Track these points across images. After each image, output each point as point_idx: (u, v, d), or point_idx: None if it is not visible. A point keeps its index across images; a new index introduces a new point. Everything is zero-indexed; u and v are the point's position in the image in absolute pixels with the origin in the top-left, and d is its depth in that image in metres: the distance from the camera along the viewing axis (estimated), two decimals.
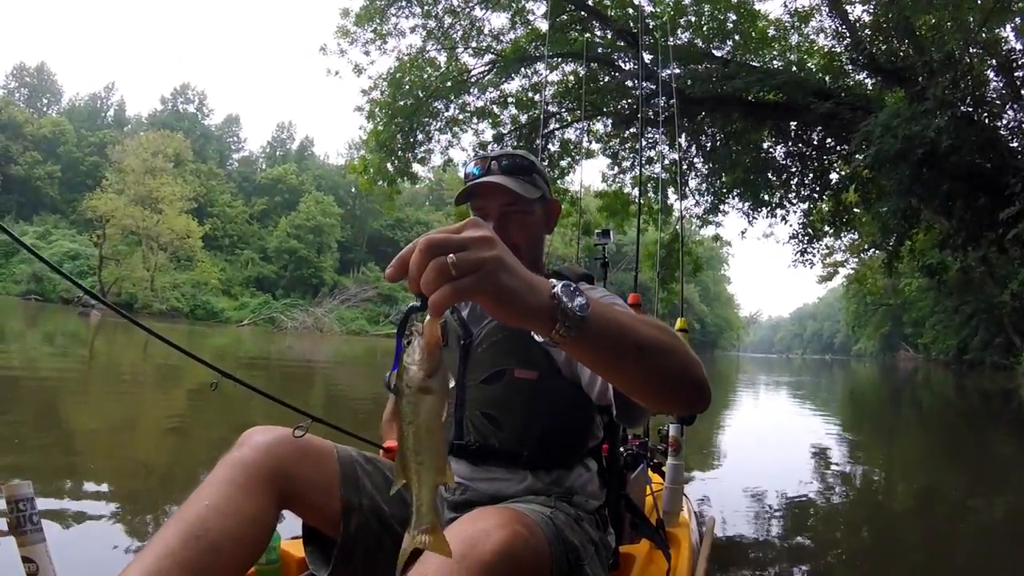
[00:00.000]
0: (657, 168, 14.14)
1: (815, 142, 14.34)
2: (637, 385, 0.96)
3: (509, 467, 1.43)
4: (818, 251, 15.56)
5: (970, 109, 10.63)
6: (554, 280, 0.81)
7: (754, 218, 15.40)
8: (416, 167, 16.33)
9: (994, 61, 10.68)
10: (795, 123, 13.76)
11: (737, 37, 14.03)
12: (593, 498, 1.49)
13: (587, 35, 14.22)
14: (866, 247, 18.08)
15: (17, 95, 69.00)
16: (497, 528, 0.99)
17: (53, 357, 12.30)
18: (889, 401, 17.93)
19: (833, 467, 6.37)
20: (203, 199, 59.61)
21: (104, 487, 3.89)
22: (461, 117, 15.74)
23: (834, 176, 14.86)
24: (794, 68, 13.66)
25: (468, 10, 14.96)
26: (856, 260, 27.38)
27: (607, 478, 1.63)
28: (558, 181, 14.91)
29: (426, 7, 14.84)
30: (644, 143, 13.74)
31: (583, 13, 14.22)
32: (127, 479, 4.22)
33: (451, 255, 0.69)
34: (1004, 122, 11.46)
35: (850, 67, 13.39)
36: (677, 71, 12.92)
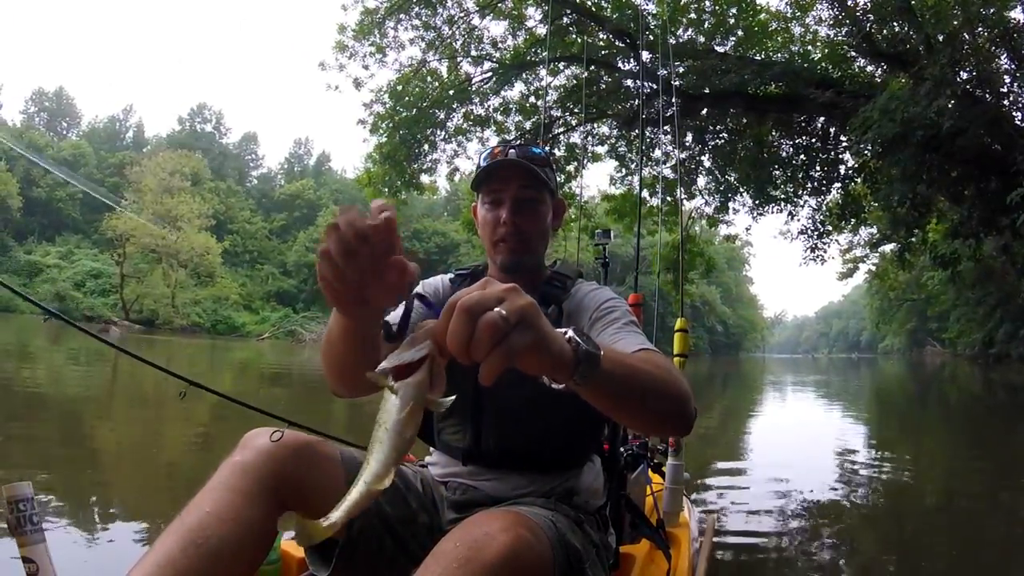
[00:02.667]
0: (661, 168, 14.08)
1: (819, 133, 13.97)
2: (634, 421, 1.11)
3: (524, 470, 1.44)
4: (828, 246, 15.07)
5: (974, 88, 10.20)
6: (564, 329, 0.82)
7: (759, 214, 15.11)
8: (424, 177, 16.31)
9: (994, 35, 10.07)
10: (798, 115, 13.42)
11: (740, 32, 13.83)
12: (594, 497, 1.50)
13: (586, 38, 14.08)
14: (885, 240, 17.51)
15: (37, 119, 70.61)
16: (501, 532, 0.98)
17: (79, 373, 12.51)
18: (913, 399, 17.58)
19: (853, 466, 6.24)
20: (223, 216, 60.42)
21: (123, 494, 3.97)
22: (465, 126, 15.70)
23: (841, 168, 14.44)
24: (797, 60, 13.32)
25: (467, 19, 14.94)
26: (877, 255, 26.97)
27: (608, 476, 1.65)
28: (565, 186, 14.85)
29: (424, 18, 14.87)
30: (649, 143, 13.68)
31: (580, 16, 14.10)
32: (146, 487, 4.29)
33: (496, 308, 0.69)
34: (1011, 100, 10.96)
35: (853, 55, 13.03)
36: (679, 69, 12.80)
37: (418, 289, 1.60)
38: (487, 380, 0.69)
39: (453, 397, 0.74)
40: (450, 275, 1.65)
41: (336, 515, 0.75)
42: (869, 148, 11.07)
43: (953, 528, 4.19)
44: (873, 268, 29.73)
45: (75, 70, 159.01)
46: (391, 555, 1.33)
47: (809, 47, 13.81)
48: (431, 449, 1.61)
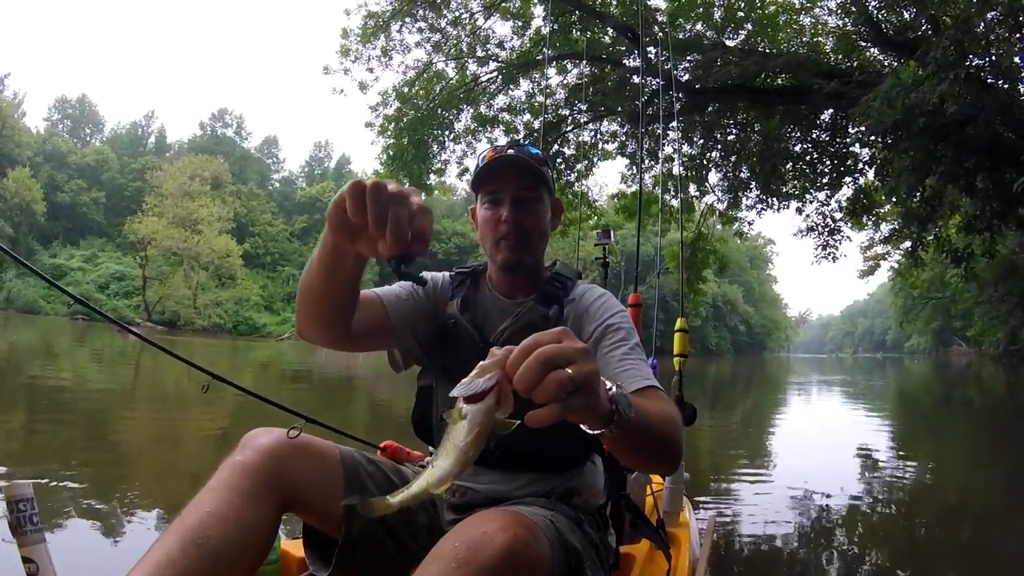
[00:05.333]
0: (668, 165, 13.61)
1: (828, 126, 13.52)
2: (635, 463, 1.20)
3: (524, 470, 1.44)
4: (840, 243, 14.40)
5: (983, 73, 9.68)
6: (609, 383, 0.90)
7: (764, 210, 14.81)
8: (433, 178, 16.19)
9: (1007, 19, 9.45)
10: (805, 108, 12.90)
11: (749, 26, 13.51)
12: (594, 497, 1.51)
13: (588, 34, 14.00)
14: (897, 236, 16.88)
15: (60, 126, 71.98)
16: (499, 531, 0.98)
17: (103, 372, 12.70)
18: (935, 401, 17.40)
19: (870, 471, 6.15)
20: (245, 219, 61.00)
21: (138, 491, 4.03)
22: (474, 126, 15.58)
23: (850, 161, 13.85)
24: (805, 51, 12.97)
25: (472, 20, 14.83)
26: (899, 252, 26.37)
27: (608, 475, 1.65)
28: (575, 185, 14.69)
29: (429, 20, 14.77)
30: (657, 140, 13.39)
31: (583, 13, 13.89)
32: (160, 484, 4.36)
33: (567, 370, 0.76)
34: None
35: (863, 44, 12.57)
36: (684, 64, 12.68)
37: (425, 275, 1.64)
38: (536, 424, 0.76)
39: (518, 423, 0.79)
40: (450, 273, 1.66)
41: (395, 499, 0.83)
42: (871, 138, 10.76)
43: (969, 538, 4.10)
44: (895, 265, 29.18)
45: (97, 77, 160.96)
46: (390, 555, 1.34)
47: (819, 38, 13.50)
48: (431, 449, 1.62)
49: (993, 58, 9.56)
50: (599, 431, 0.89)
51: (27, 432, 6.09)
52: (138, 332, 1.90)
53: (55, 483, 3.98)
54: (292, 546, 1.61)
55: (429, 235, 0.89)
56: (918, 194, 10.72)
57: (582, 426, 0.89)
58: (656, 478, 2.50)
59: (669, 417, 1.13)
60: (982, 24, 9.09)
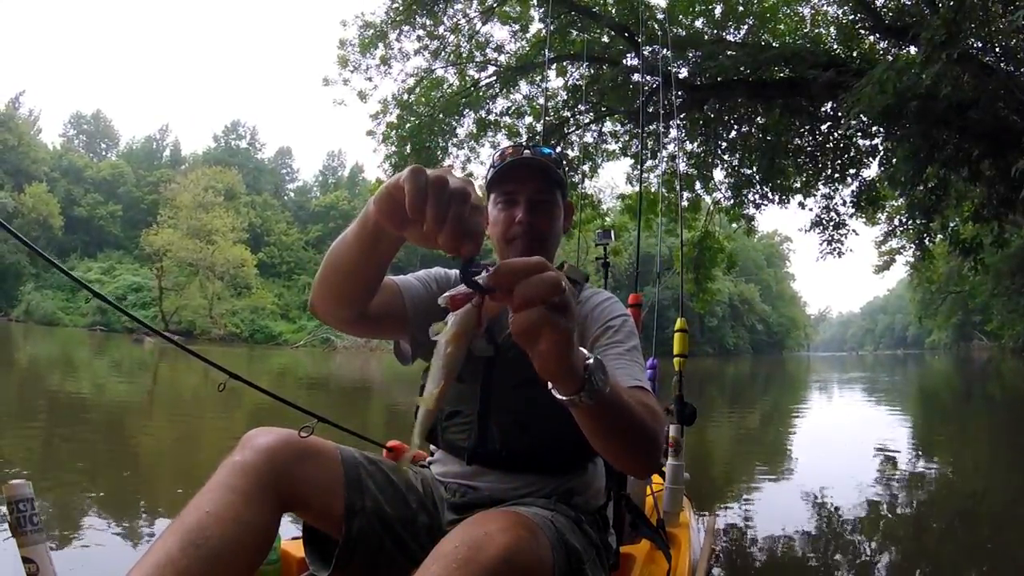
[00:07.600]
0: (673, 164, 13.32)
1: (830, 117, 13.06)
2: (606, 451, 1.12)
3: (527, 471, 1.44)
4: (846, 238, 13.98)
5: (982, 55, 9.39)
6: (585, 351, 0.90)
7: (766, 206, 14.60)
8: None
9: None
10: (804, 100, 12.52)
11: (750, 21, 13.30)
12: (595, 497, 1.51)
13: (587, 35, 13.91)
14: (902, 227, 16.36)
15: (76, 142, 73.33)
16: (500, 532, 0.99)
17: (122, 381, 12.86)
18: (954, 398, 17.23)
19: (881, 474, 6.04)
20: (260, 229, 61.43)
21: (153, 495, 4.08)
22: (476, 131, 15.46)
23: (853, 151, 13.47)
24: (799, 41, 12.80)
25: (471, 25, 14.76)
26: (913, 246, 25.86)
27: (608, 476, 1.65)
28: (579, 187, 14.55)
29: (428, 28, 14.75)
30: (659, 139, 13.20)
31: (579, 14, 13.82)
32: (174, 486, 4.40)
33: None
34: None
35: (863, 32, 12.31)
36: (680, 61, 12.44)
37: (442, 267, 1.65)
38: (520, 327, 0.79)
39: (510, 349, 0.83)
40: (458, 271, 1.67)
41: (415, 440, 0.81)
42: (872, 128, 10.53)
43: (988, 538, 4.01)
44: (911, 260, 28.62)
45: (112, 93, 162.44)
46: (390, 556, 1.34)
47: (820, 28, 13.27)
48: (432, 448, 1.62)
49: (994, 41, 9.33)
50: (570, 396, 0.88)
51: (36, 435, 6.18)
52: (162, 332, 1.94)
53: (60, 484, 4.03)
54: (292, 546, 1.61)
55: (483, 235, 0.85)
56: (921, 183, 10.49)
57: (552, 389, 0.89)
58: (656, 478, 2.49)
59: (649, 409, 1.12)
60: (981, 5, 8.82)
